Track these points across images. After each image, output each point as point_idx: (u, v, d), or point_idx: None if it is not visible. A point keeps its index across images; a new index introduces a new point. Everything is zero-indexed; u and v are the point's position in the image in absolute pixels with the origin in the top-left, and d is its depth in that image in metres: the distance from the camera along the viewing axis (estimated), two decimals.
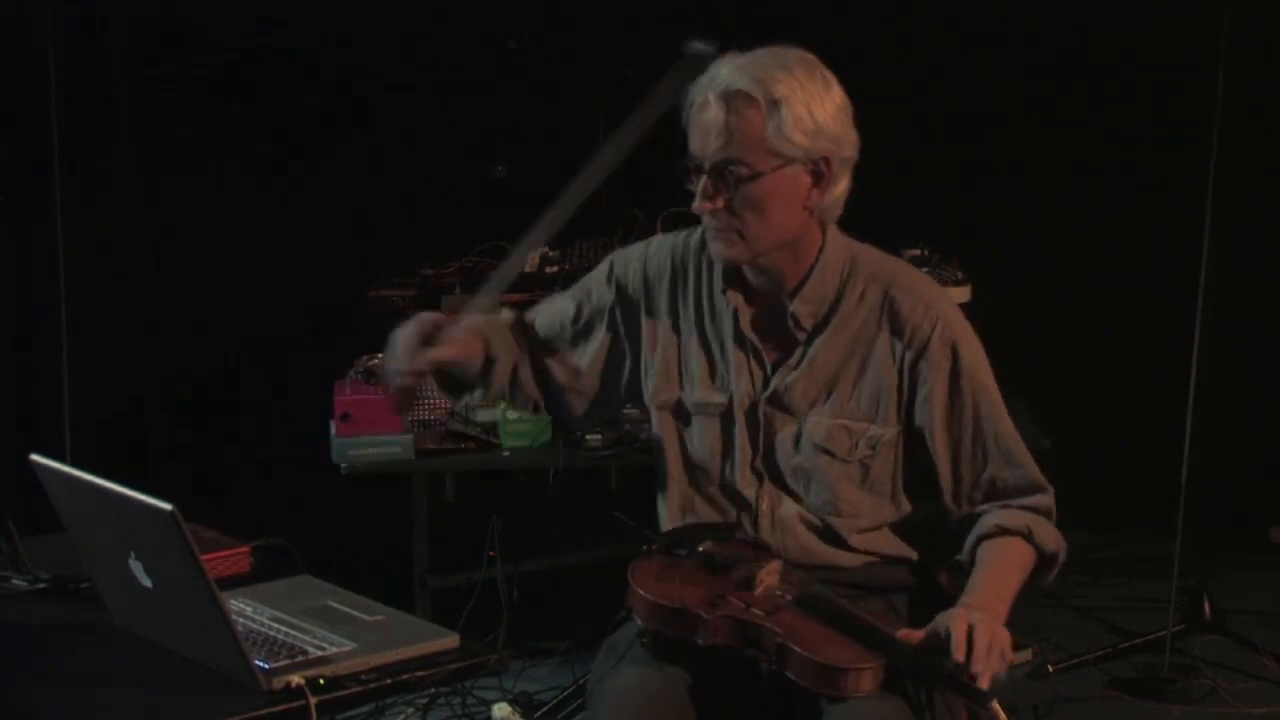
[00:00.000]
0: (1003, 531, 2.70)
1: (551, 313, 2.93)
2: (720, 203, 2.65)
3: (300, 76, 5.11)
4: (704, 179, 2.66)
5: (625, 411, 3.87)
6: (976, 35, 5.16)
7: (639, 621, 2.64)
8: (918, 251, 4.36)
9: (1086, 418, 5.10)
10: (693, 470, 2.83)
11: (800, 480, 2.76)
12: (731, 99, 2.62)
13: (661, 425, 2.85)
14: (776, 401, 2.76)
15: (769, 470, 2.78)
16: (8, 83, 4.69)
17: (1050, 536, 2.73)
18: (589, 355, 2.89)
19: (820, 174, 2.67)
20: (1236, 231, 4.33)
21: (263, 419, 5.15)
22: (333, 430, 3.94)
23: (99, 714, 2.30)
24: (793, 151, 2.63)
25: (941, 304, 2.76)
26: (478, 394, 2.89)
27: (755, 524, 2.78)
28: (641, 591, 2.60)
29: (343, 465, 3.92)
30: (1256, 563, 5.14)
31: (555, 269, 4.40)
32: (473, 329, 2.78)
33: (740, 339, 2.77)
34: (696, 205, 2.68)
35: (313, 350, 4.65)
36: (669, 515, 2.86)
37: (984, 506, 2.75)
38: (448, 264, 4.40)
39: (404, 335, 2.72)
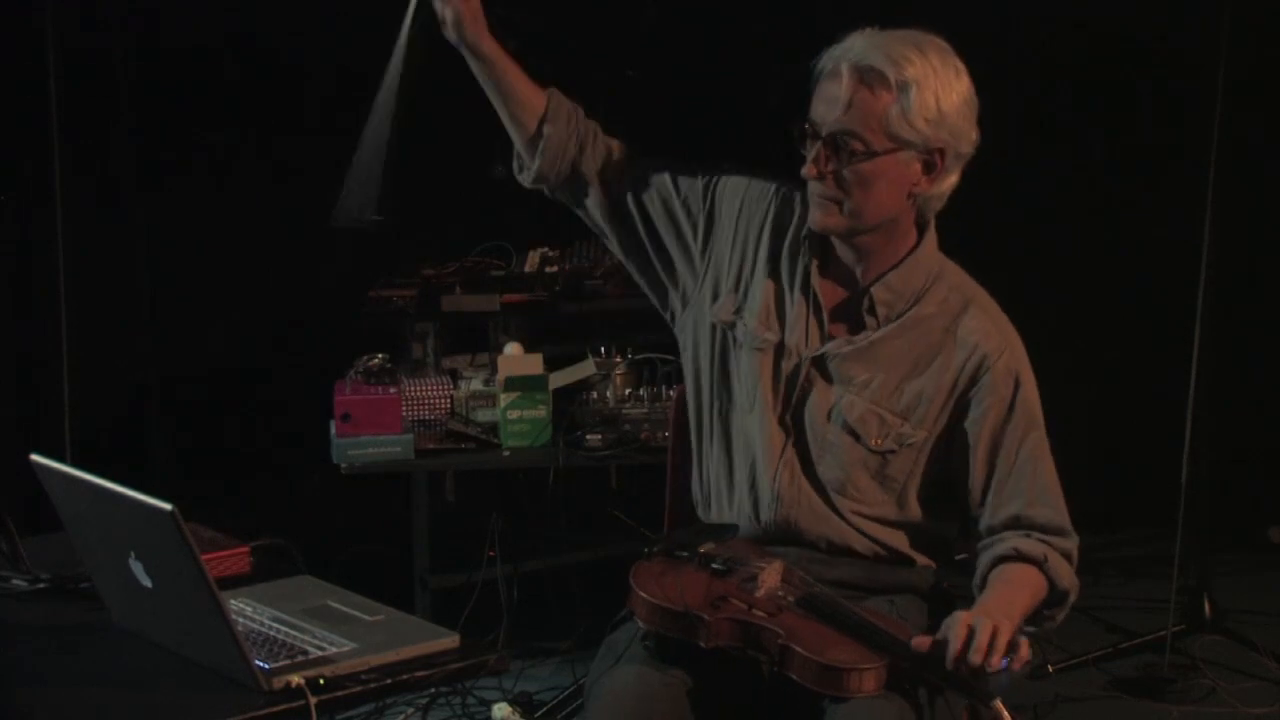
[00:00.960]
0: (1019, 556, 2.70)
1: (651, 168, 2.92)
2: (829, 172, 2.66)
3: (301, 76, 5.11)
4: (818, 146, 2.66)
5: (624, 413, 3.87)
6: (977, 35, 5.16)
7: (641, 625, 2.64)
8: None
9: (1087, 418, 5.10)
10: (729, 390, 2.82)
11: (820, 450, 2.75)
12: (864, 73, 2.63)
13: (711, 341, 2.83)
14: (821, 366, 2.75)
15: (796, 428, 2.76)
16: (8, 82, 4.69)
17: (1066, 575, 2.72)
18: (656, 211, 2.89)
19: (932, 164, 2.68)
20: (1236, 231, 4.33)
21: (263, 419, 5.15)
22: (333, 430, 3.93)
23: (99, 714, 2.30)
24: (911, 137, 2.65)
25: (1013, 335, 2.78)
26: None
27: (775, 476, 2.76)
28: (643, 594, 2.60)
29: (343, 465, 3.91)
30: (1256, 563, 5.14)
31: (555, 269, 4.40)
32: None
33: (807, 292, 2.76)
34: (806, 170, 2.68)
35: (313, 350, 4.66)
36: (709, 446, 2.85)
37: (1004, 534, 2.74)
38: (448, 264, 4.40)
39: None
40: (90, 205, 4.78)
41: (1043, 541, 2.72)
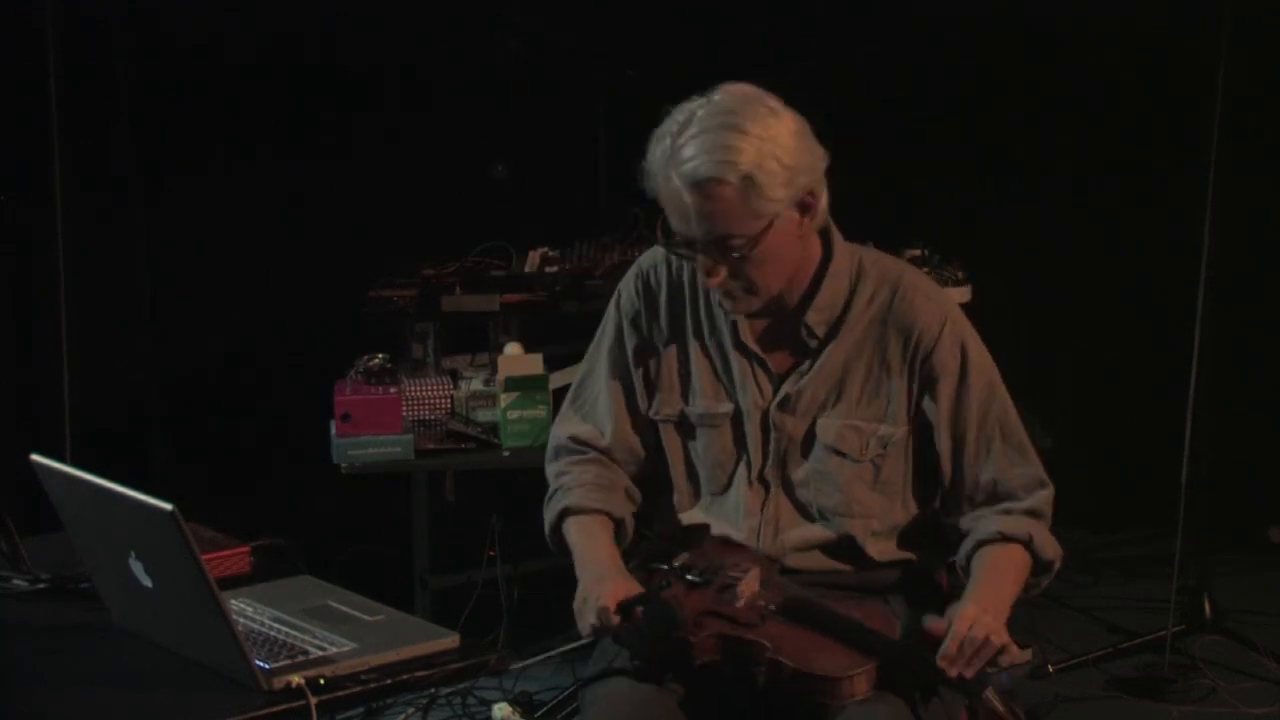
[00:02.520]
0: (1003, 538, 2.71)
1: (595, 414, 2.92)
2: (724, 273, 2.65)
3: (301, 76, 5.11)
4: (699, 256, 2.65)
5: None
6: (976, 35, 5.16)
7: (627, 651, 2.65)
8: (918, 251, 4.36)
9: (1086, 418, 5.09)
10: (696, 482, 2.84)
11: (812, 485, 2.76)
12: (703, 186, 2.58)
13: (665, 439, 2.85)
14: (787, 407, 2.76)
15: (779, 478, 2.78)
16: (8, 82, 4.69)
17: (1049, 545, 2.74)
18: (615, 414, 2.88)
19: (806, 205, 2.67)
20: (1236, 231, 4.33)
21: (263, 419, 5.15)
22: (333, 430, 3.93)
23: (99, 714, 2.30)
24: (778, 208, 2.62)
25: (948, 304, 2.78)
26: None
27: (758, 534, 2.77)
28: (626, 622, 2.60)
29: (343, 465, 3.91)
30: (1256, 563, 5.13)
31: (555, 269, 4.40)
32: (609, 562, 2.76)
33: (743, 349, 2.78)
34: (702, 280, 2.68)
35: (313, 350, 4.65)
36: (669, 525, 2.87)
37: (984, 510, 2.75)
38: (448, 264, 4.40)
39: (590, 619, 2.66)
40: (90, 205, 4.78)
41: (1025, 513, 2.73)
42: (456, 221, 4.79)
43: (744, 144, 2.57)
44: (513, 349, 4.07)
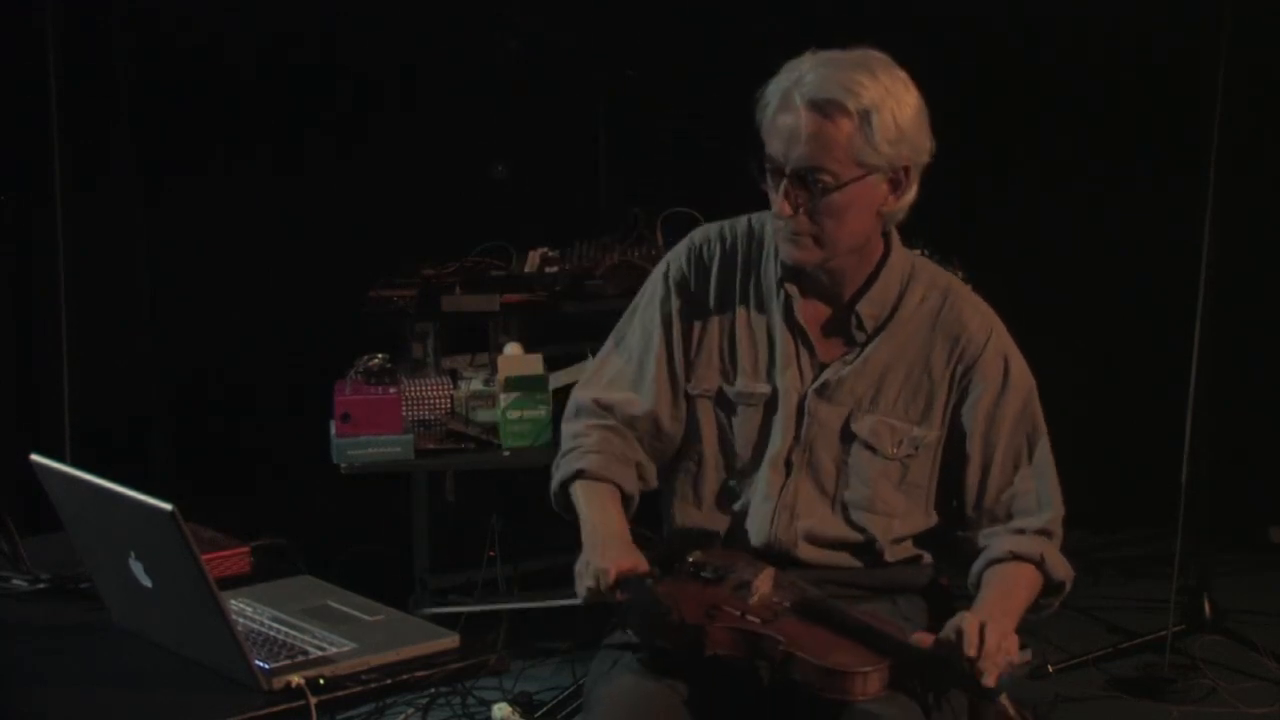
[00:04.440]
0: (1015, 558, 2.71)
1: (618, 382, 2.87)
2: (801, 209, 2.65)
3: (300, 76, 5.11)
4: (784, 183, 2.64)
5: None
6: (977, 35, 5.16)
7: (635, 639, 2.64)
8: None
9: (1086, 418, 5.09)
10: (729, 458, 2.81)
11: (840, 475, 2.76)
12: (821, 106, 2.60)
13: (701, 414, 2.82)
14: (825, 394, 2.76)
15: (805, 463, 2.77)
16: (8, 81, 4.69)
17: (1061, 566, 2.74)
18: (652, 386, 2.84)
19: (899, 182, 2.68)
20: (1236, 231, 4.33)
21: (263, 419, 5.15)
22: (333, 430, 3.94)
23: (99, 714, 2.30)
24: (878, 161, 2.64)
25: (994, 317, 2.80)
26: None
27: (773, 518, 2.77)
28: (622, 596, 2.60)
29: (343, 465, 3.92)
30: (1256, 563, 5.13)
31: (555, 269, 4.40)
32: (618, 531, 2.73)
33: (794, 328, 2.77)
34: (778, 208, 2.66)
35: (313, 350, 4.66)
36: (693, 508, 2.83)
37: (998, 528, 2.75)
38: (448, 264, 4.40)
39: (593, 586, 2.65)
40: (90, 205, 4.77)
41: (1037, 533, 2.73)
42: (456, 221, 4.79)
43: (872, 84, 2.61)
44: (513, 349, 4.07)
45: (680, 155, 4.92)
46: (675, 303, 2.83)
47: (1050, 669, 4.26)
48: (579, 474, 2.81)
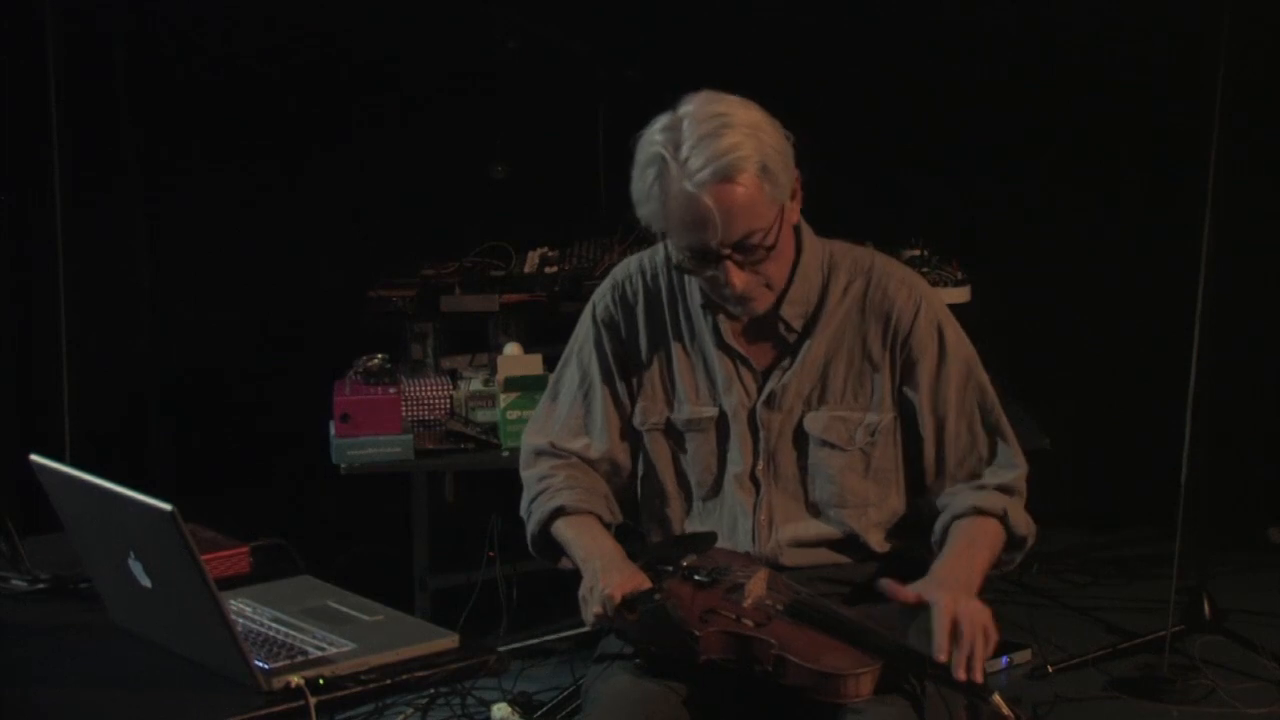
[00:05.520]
0: (978, 512, 2.73)
1: (567, 424, 2.92)
2: (749, 274, 2.66)
3: (301, 76, 5.11)
4: (725, 262, 2.65)
5: None
6: (977, 35, 5.16)
7: (630, 646, 2.65)
8: (918, 251, 4.36)
9: (1086, 418, 5.09)
10: (687, 488, 2.84)
11: (805, 478, 2.78)
12: (725, 177, 2.59)
13: (653, 447, 2.85)
14: (773, 404, 2.78)
15: (771, 476, 2.78)
16: (8, 80, 4.69)
17: (1023, 521, 2.77)
18: (602, 423, 2.88)
19: (795, 191, 2.70)
20: (1236, 232, 4.33)
21: (263, 419, 5.15)
22: (332, 430, 3.93)
23: (99, 714, 2.30)
24: (784, 194, 2.66)
25: (921, 287, 2.81)
26: None
27: (753, 535, 2.78)
28: (630, 616, 2.60)
29: (342, 465, 3.91)
30: (1256, 563, 5.13)
31: (555, 269, 4.40)
32: (611, 549, 2.75)
33: (727, 349, 2.79)
34: (739, 286, 2.66)
35: (313, 350, 4.65)
36: (660, 536, 2.87)
37: (960, 487, 2.77)
38: (447, 264, 4.40)
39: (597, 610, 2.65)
40: (90, 205, 4.78)
41: (998, 489, 2.75)
42: (456, 221, 4.80)
43: (743, 138, 2.60)
44: (512, 349, 4.07)
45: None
46: (609, 344, 2.87)
47: (1050, 669, 4.26)
48: (558, 511, 2.83)
